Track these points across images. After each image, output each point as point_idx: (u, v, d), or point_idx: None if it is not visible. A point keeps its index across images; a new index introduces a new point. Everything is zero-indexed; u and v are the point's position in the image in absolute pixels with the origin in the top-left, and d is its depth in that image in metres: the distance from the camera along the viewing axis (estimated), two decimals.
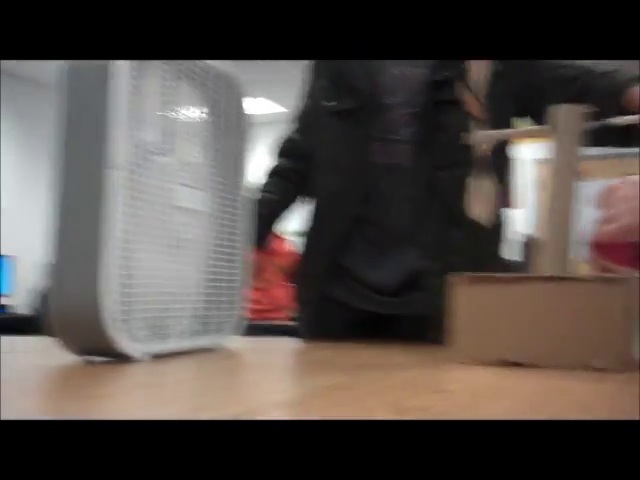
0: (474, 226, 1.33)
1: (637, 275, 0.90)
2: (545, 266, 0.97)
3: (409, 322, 1.38)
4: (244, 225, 1.16)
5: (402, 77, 1.38)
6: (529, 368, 0.85)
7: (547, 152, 0.99)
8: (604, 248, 1.01)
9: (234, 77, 1.11)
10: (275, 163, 1.59)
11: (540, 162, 6.54)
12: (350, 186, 1.41)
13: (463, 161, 1.33)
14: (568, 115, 0.98)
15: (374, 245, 1.41)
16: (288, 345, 1.37)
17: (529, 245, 3.52)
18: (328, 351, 1.19)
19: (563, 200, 0.99)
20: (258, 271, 1.39)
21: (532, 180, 6.61)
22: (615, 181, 0.84)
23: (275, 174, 1.58)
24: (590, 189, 1.02)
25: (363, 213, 1.40)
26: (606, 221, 0.79)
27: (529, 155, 6.60)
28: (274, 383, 0.79)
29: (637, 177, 0.83)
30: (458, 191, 1.33)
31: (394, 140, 1.38)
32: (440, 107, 1.35)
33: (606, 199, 0.81)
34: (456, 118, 1.34)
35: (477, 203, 1.07)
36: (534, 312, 0.88)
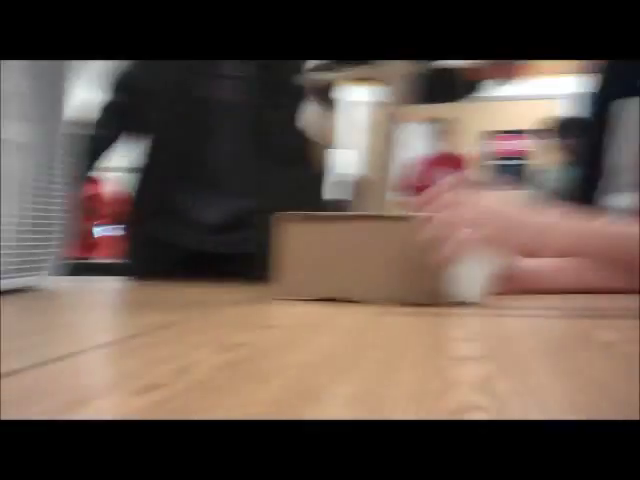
0: (299, 165, 1.35)
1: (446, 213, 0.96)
2: (366, 205, 1.02)
3: (235, 260, 1.40)
4: (65, 160, 1.10)
5: None
6: (349, 304, 0.89)
7: (375, 96, 1.02)
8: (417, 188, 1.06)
9: None
10: (109, 98, 1.52)
11: (370, 105, 6.70)
12: (179, 122, 1.38)
13: (291, 101, 1.34)
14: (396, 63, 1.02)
15: (199, 183, 1.39)
16: (113, 284, 1.34)
17: (357, 185, 3.64)
18: (154, 289, 1.18)
19: (384, 143, 1.03)
20: (83, 208, 1.34)
21: (363, 122, 6.80)
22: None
23: (108, 109, 1.51)
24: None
25: (190, 150, 1.38)
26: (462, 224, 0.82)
27: (360, 97, 6.77)
28: (96, 323, 0.78)
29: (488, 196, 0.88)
30: (284, 130, 1.34)
31: (224, 76, 1.36)
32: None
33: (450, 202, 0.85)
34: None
35: (308, 142, 1.09)
36: (353, 250, 0.92)
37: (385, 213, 0.95)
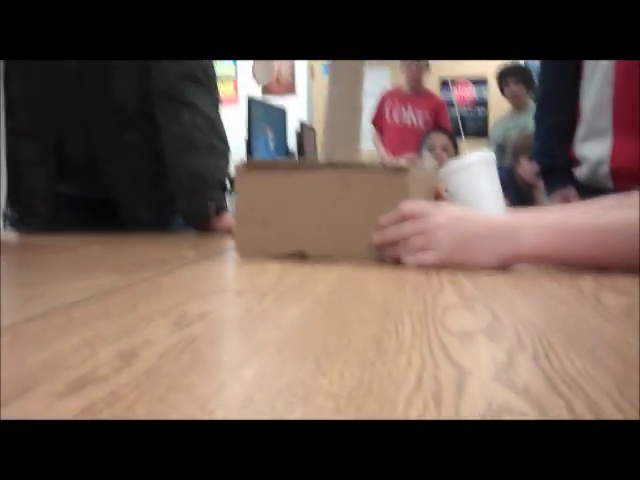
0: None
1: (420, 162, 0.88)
2: (333, 154, 0.93)
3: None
4: None
5: None
6: (317, 261, 0.81)
7: None
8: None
9: None
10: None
11: None
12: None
13: (136, 69, 1.34)
14: None
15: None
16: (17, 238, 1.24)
17: (303, 133, 3.54)
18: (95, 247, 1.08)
19: (351, 91, 0.94)
20: None
21: (306, 69, 6.66)
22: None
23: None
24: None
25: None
26: (420, 244, 0.75)
27: None
28: (37, 287, 0.68)
29: (452, 208, 0.78)
30: (134, 97, 1.37)
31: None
32: None
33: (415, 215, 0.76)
34: None
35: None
36: (322, 201, 0.83)
37: (354, 162, 0.86)
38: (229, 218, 1.30)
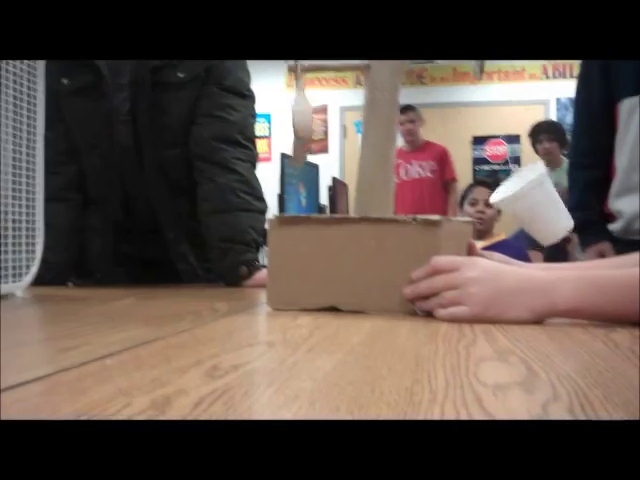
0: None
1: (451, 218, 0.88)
2: (366, 209, 0.94)
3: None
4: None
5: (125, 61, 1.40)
6: (349, 313, 0.81)
7: (362, 99, 0.95)
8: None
9: None
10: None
11: (346, 109, 6.65)
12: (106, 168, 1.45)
13: (185, 140, 1.41)
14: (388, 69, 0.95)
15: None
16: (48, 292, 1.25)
17: (335, 188, 3.57)
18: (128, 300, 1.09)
19: (385, 146, 0.96)
20: None
21: (338, 127, 6.75)
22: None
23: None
24: None
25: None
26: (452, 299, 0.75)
27: (336, 102, 6.74)
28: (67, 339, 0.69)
29: (484, 262, 0.78)
30: (183, 167, 1.41)
31: (123, 120, 1.39)
32: (158, 88, 1.38)
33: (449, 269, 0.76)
34: (176, 99, 1.39)
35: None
36: (355, 255, 0.84)
37: (384, 216, 0.87)
38: (262, 275, 1.32)
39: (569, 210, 1.87)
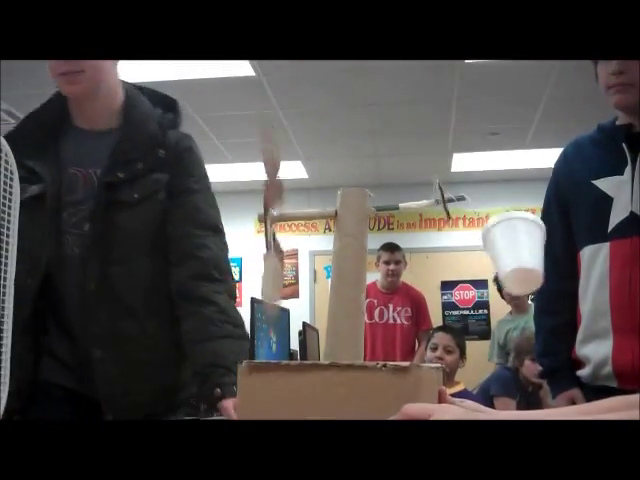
0: (145, 317, 1.48)
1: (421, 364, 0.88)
2: (336, 355, 0.94)
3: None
4: None
5: (80, 177, 1.49)
6: None
7: (332, 244, 0.97)
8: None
9: None
10: None
11: (316, 254, 6.75)
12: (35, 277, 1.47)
13: (137, 256, 1.48)
14: (354, 197, 0.98)
15: (54, 333, 1.51)
16: None
17: (305, 333, 3.56)
18: None
19: (355, 291, 0.97)
20: None
21: (308, 271, 6.82)
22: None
23: None
24: None
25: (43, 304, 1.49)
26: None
27: (306, 247, 6.85)
28: None
29: (455, 409, 0.78)
30: (131, 285, 1.48)
31: (76, 234, 1.47)
32: (112, 207, 1.47)
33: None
34: (128, 216, 1.48)
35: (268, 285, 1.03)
36: (323, 402, 0.83)
37: (360, 362, 0.87)
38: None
39: (537, 356, 1.86)
